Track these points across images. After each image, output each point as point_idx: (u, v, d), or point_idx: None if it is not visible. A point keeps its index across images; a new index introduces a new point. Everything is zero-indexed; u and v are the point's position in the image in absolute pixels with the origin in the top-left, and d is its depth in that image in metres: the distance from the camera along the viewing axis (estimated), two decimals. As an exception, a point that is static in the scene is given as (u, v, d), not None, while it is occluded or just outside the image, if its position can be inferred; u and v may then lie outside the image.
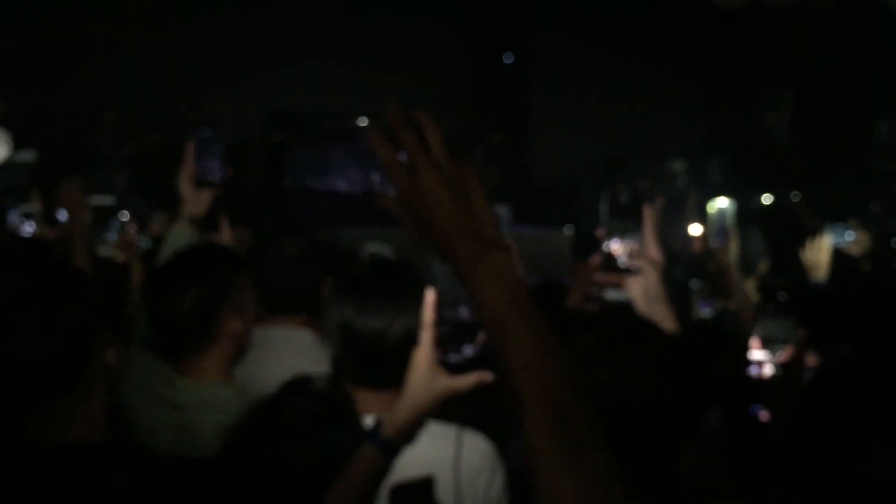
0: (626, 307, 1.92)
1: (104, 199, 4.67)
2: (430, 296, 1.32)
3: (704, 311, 3.85)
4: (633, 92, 9.41)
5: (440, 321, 1.31)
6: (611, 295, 2.53)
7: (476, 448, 1.81)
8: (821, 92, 9.01)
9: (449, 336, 1.30)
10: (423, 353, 1.36)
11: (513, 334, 0.92)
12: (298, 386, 1.73)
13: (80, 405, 1.61)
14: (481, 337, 1.29)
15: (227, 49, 8.71)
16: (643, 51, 9.48)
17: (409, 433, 1.43)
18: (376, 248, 3.33)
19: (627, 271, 1.87)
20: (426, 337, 1.35)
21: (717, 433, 1.89)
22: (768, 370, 3.04)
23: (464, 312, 1.24)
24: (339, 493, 1.42)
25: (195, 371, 2.03)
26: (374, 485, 1.43)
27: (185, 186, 2.32)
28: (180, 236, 2.33)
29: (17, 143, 6.34)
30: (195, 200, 2.34)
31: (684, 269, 3.88)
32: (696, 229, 3.99)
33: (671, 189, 8.03)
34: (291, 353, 2.29)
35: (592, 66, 9.60)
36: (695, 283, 4.24)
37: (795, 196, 6.69)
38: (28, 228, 4.41)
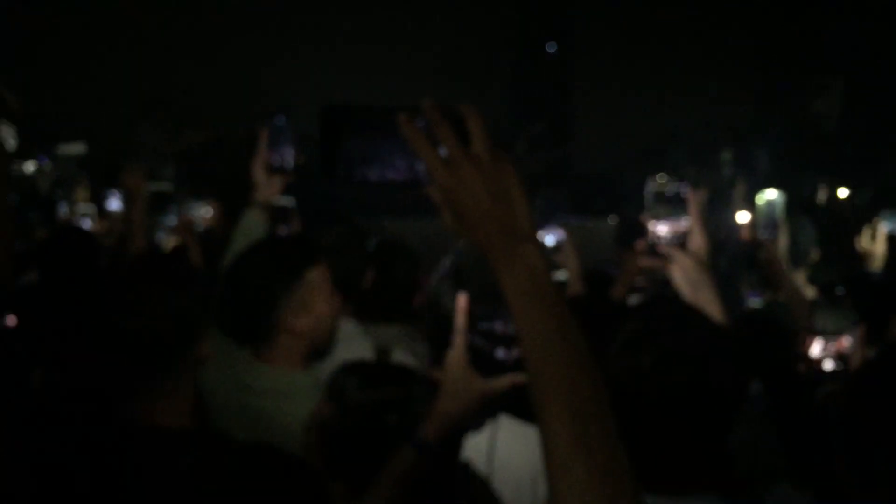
0: (672, 296, 1.90)
1: (162, 186, 4.73)
2: (461, 301, 1.33)
3: (754, 302, 3.79)
4: (678, 80, 9.30)
5: (476, 323, 1.31)
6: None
7: (518, 436, 1.81)
8: (871, 78, 8.82)
9: (482, 341, 1.31)
10: (457, 357, 1.36)
11: (533, 323, 0.96)
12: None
13: (171, 392, 1.64)
14: (508, 340, 1.29)
15: (279, 38, 8.79)
16: (689, 38, 9.36)
17: (445, 435, 1.44)
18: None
19: (670, 257, 1.85)
20: (458, 342, 1.35)
21: (765, 418, 1.87)
22: (829, 365, 2.98)
23: (499, 325, 1.25)
24: (376, 493, 1.43)
25: (272, 358, 2.06)
26: (412, 482, 1.44)
27: (259, 173, 2.36)
28: (253, 222, 2.37)
29: (66, 137, 6.45)
30: (268, 187, 2.38)
31: (731, 259, 3.82)
32: (743, 217, 3.93)
33: (717, 178, 7.93)
34: (339, 343, 2.30)
35: (636, 53, 9.51)
36: (742, 274, 4.18)
37: (842, 192, 6.57)
38: (85, 222, 4.49)
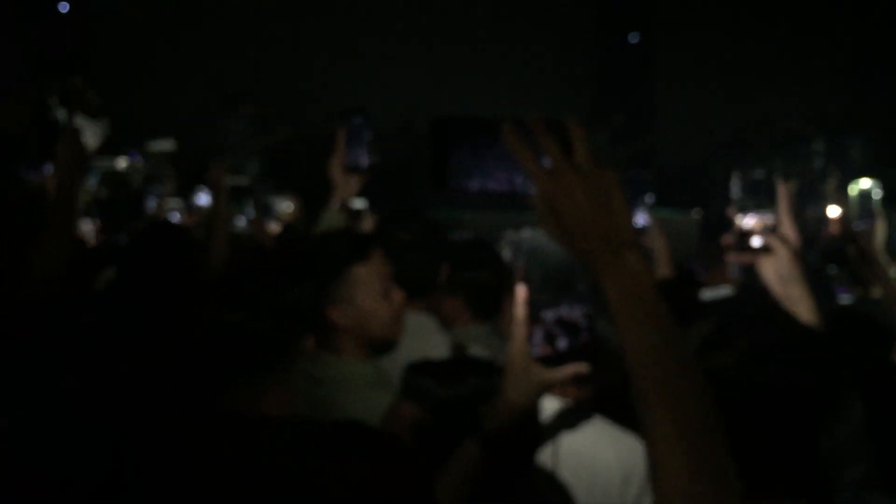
0: (756, 293, 1.84)
1: (239, 180, 4.84)
2: (521, 293, 1.32)
3: (843, 299, 3.65)
4: (765, 67, 9.02)
5: (537, 314, 1.30)
6: (707, 294, 2.42)
7: (615, 446, 1.78)
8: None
9: (545, 334, 1.29)
10: (518, 349, 1.36)
11: (638, 331, 0.98)
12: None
13: (278, 383, 1.68)
14: (569, 329, 1.27)
15: (363, 39, 8.88)
16: (776, 24, 9.07)
17: (509, 428, 1.42)
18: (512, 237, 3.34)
19: (761, 250, 1.79)
20: (519, 333, 1.34)
21: (860, 423, 1.79)
22: None
23: (560, 306, 1.23)
24: (442, 486, 1.43)
25: (333, 349, 2.08)
26: (476, 478, 1.43)
27: (336, 173, 2.40)
28: (331, 220, 2.43)
29: (155, 134, 6.63)
30: (345, 186, 2.42)
31: (821, 254, 3.69)
32: (833, 211, 3.78)
33: (808, 170, 7.67)
34: (409, 337, 2.31)
35: (721, 41, 9.26)
36: (832, 269, 4.02)
37: None
38: (174, 216, 4.62)
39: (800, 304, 1.74)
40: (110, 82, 8.40)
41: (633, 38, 9.53)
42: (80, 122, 2.12)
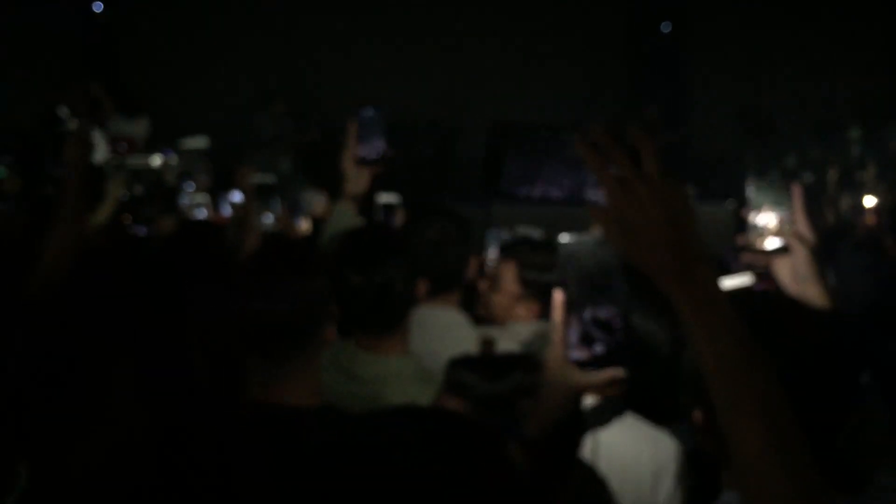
0: (770, 290, 1.82)
1: (265, 178, 4.88)
2: (558, 297, 1.31)
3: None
4: (800, 56, 8.89)
5: (574, 319, 1.29)
6: (727, 283, 2.40)
7: (646, 443, 1.78)
8: None
9: (582, 335, 1.29)
10: (555, 352, 1.35)
11: (715, 344, 0.98)
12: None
13: (299, 373, 1.69)
14: (605, 335, 1.27)
15: (389, 33, 8.90)
16: (810, 11, 8.93)
17: (548, 430, 1.42)
18: (524, 231, 3.32)
19: (777, 251, 1.77)
20: (557, 337, 1.34)
21: (880, 414, 1.77)
22: None
23: (597, 311, 1.23)
24: None
25: (379, 347, 2.10)
26: (534, 483, 1.43)
27: (348, 165, 2.38)
28: (343, 214, 2.41)
29: (189, 131, 6.70)
30: (356, 179, 2.40)
31: (855, 246, 3.63)
32: (870, 201, 3.73)
33: (846, 158, 7.56)
34: (439, 332, 2.31)
35: (754, 31, 9.14)
36: (869, 260, 3.96)
37: None
38: (202, 212, 4.66)
39: (816, 303, 1.72)
40: (144, 81, 8.52)
41: (666, 27, 9.44)
42: (86, 130, 2.15)
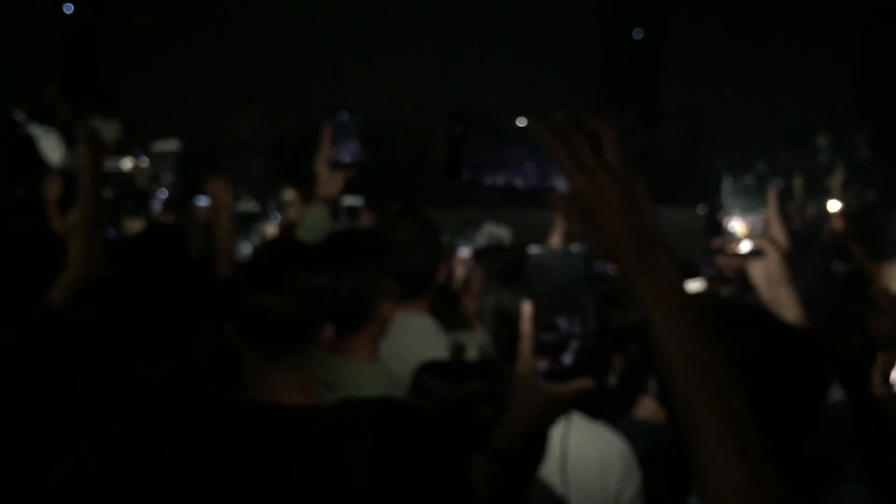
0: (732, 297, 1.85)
1: (249, 206, 4.85)
2: (526, 308, 1.31)
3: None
4: (771, 62, 8.99)
5: (542, 330, 1.29)
6: (688, 286, 2.42)
7: (592, 434, 1.78)
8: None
9: (549, 345, 1.28)
10: (523, 363, 1.35)
11: (673, 331, 0.99)
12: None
13: (293, 370, 1.69)
14: (574, 343, 1.26)
15: (361, 34, 8.89)
16: (783, 18, 9.03)
17: (518, 443, 1.42)
18: (493, 229, 3.33)
19: (750, 254, 1.79)
20: (525, 347, 1.34)
21: (844, 416, 1.79)
22: None
23: (563, 322, 1.22)
24: None
25: (346, 351, 2.09)
26: (488, 493, 1.43)
27: (321, 168, 2.37)
28: (315, 217, 2.39)
29: (160, 133, 6.65)
30: (330, 182, 2.38)
31: (823, 251, 3.67)
32: (834, 206, 3.76)
33: (814, 164, 7.65)
34: (409, 337, 2.31)
35: (727, 37, 9.23)
36: (838, 266, 4.00)
37: None
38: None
39: (786, 306, 1.75)
40: (116, 82, 8.45)
41: (638, 33, 9.51)
42: (38, 131, 2.13)
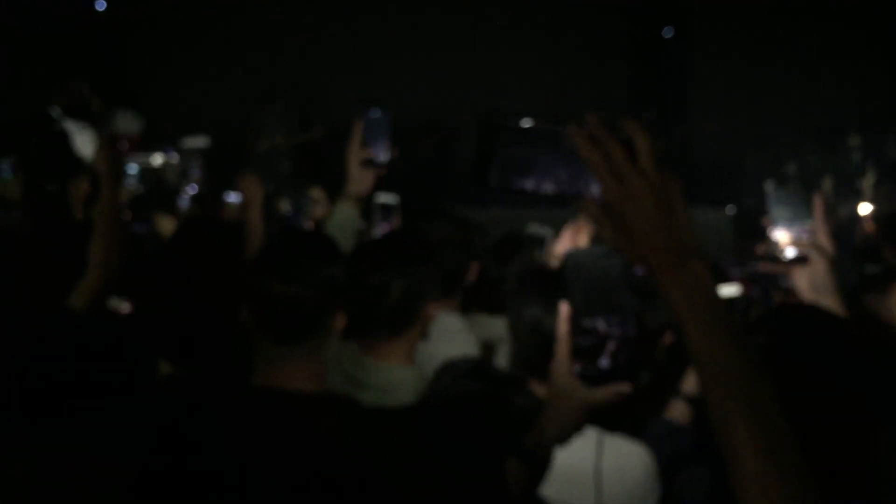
0: (802, 305, 1.83)
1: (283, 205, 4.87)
2: (563, 309, 1.29)
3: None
4: (801, 62, 8.89)
5: (579, 332, 1.28)
6: (723, 291, 2.41)
7: (625, 454, 1.77)
8: None
9: (587, 348, 1.26)
10: (560, 366, 1.34)
11: (709, 340, 0.97)
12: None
13: (306, 358, 1.70)
14: (611, 346, 1.25)
15: (387, 32, 8.91)
16: (814, 18, 8.94)
17: (552, 446, 1.41)
18: (536, 229, 3.31)
19: (793, 261, 1.79)
20: (562, 350, 1.32)
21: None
22: None
23: (601, 324, 1.20)
24: None
25: (385, 353, 2.09)
26: (527, 495, 1.43)
27: (352, 165, 2.35)
28: (344, 215, 2.37)
29: (189, 130, 6.70)
30: (360, 180, 2.36)
31: (855, 255, 3.63)
32: (865, 209, 3.71)
33: (845, 165, 7.57)
34: (439, 337, 2.31)
35: (757, 36, 9.15)
36: (870, 268, 3.95)
37: None
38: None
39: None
40: (146, 79, 8.53)
41: (668, 32, 9.45)
42: (74, 128, 2.14)
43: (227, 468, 1.52)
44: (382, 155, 2.32)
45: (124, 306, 2.42)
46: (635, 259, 1.00)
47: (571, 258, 1.21)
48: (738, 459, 0.95)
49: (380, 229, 3.03)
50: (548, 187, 1.02)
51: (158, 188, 5.52)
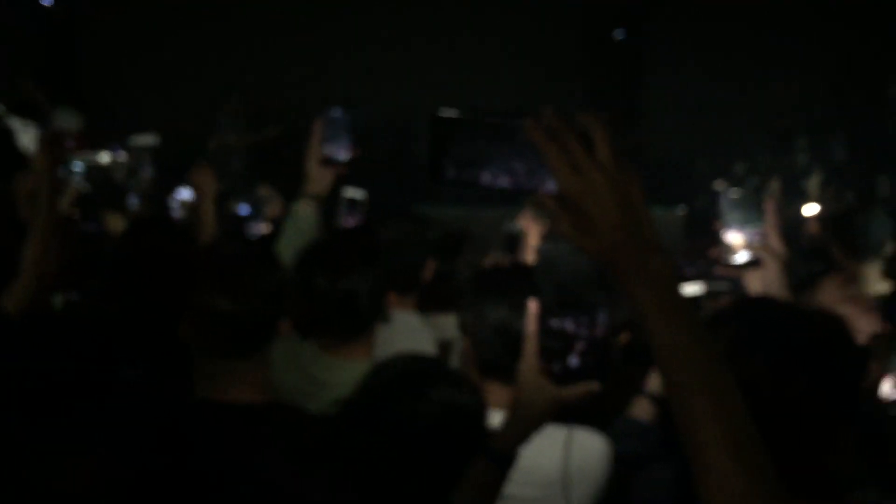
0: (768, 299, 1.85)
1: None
2: (532, 306, 1.28)
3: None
4: (751, 65, 9.05)
5: (547, 333, 1.27)
6: (687, 290, 2.44)
7: (589, 450, 1.78)
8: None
9: (555, 349, 1.25)
10: (528, 365, 1.33)
11: (670, 334, 0.96)
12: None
13: (253, 368, 1.66)
14: (580, 346, 1.24)
15: (352, 34, 8.87)
16: (764, 22, 9.10)
17: (519, 444, 1.41)
18: (511, 226, 3.31)
19: (746, 265, 1.81)
20: (530, 348, 1.31)
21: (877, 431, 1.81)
22: None
23: (569, 325, 1.20)
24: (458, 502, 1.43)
25: (347, 352, 2.08)
26: (493, 494, 1.43)
27: (311, 165, 2.33)
28: (303, 214, 2.36)
29: (139, 128, 6.59)
30: (319, 179, 2.35)
31: (804, 255, 3.70)
32: (810, 210, 3.78)
33: (792, 167, 7.71)
34: (396, 335, 2.31)
35: (708, 39, 9.28)
36: (818, 267, 4.03)
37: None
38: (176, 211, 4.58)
39: None
40: (96, 76, 8.36)
41: (620, 34, 9.54)
42: (18, 125, 2.09)
43: (187, 479, 1.49)
44: (343, 153, 2.31)
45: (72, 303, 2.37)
46: (596, 255, 0.97)
47: (543, 254, 1.20)
48: (704, 457, 0.95)
49: (347, 224, 3.02)
50: (504, 182, 1.00)
51: (106, 186, 5.42)
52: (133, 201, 4.52)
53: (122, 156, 6.29)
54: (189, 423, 1.60)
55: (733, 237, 1.83)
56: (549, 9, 9.40)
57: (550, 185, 0.99)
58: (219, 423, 1.61)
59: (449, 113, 1.01)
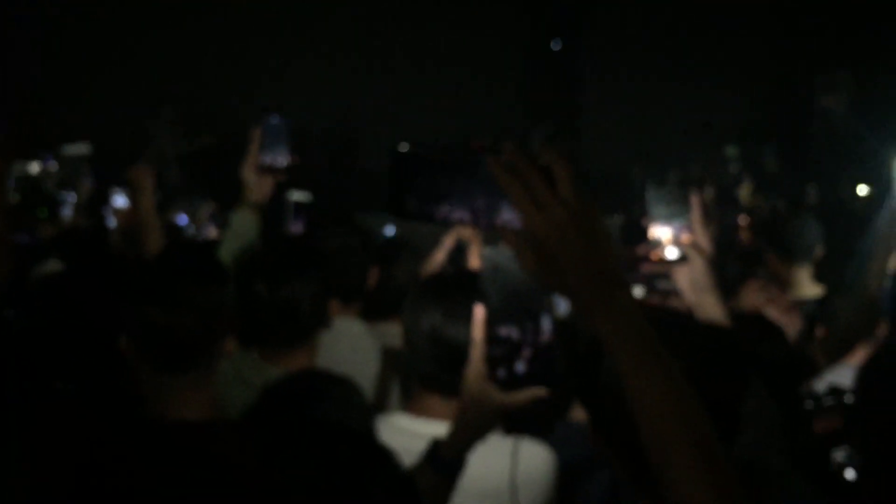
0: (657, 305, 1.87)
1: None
2: (479, 311, 1.28)
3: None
4: (686, 76, 9.24)
5: (493, 341, 1.26)
6: (661, 284, 2.48)
7: (535, 459, 1.78)
8: (883, 73, 8.74)
9: (501, 354, 1.24)
10: (475, 371, 1.32)
11: (638, 367, 0.96)
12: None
13: (194, 386, 1.63)
14: (527, 352, 1.24)
15: (289, 42, 8.80)
16: (697, 33, 9.31)
17: (466, 451, 1.40)
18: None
19: (677, 261, 1.82)
20: (476, 354, 1.31)
21: (773, 417, 1.84)
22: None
23: (515, 333, 1.19)
24: None
25: (289, 361, 2.05)
26: (437, 500, 1.42)
27: (248, 173, 2.31)
28: (244, 222, 2.33)
29: (71, 137, 6.44)
30: (258, 187, 2.33)
31: (741, 261, 3.79)
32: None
33: (724, 175, 7.89)
34: (340, 343, 2.30)
35: (643, 50, 9.46)
36: (757, 272, 4.12)
37: (862, 189, 6.52)
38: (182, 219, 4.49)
39: (712, 312, 1.78)
40: (24, 85, 8.15)
41: (556, 45, 9.66)
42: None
43: (117, 497, 1.46)
44: (281, 160, 2.30)
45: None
46: (560, 290, 0.98)
47: (487, 260, 1.20)
48: (679, 488, 0.94)
49: (294, 228, 3.00)
50: (465, 216, 1.00)
51: (36, 197, 5.29)
52: (66, 212, 4.41)
53: (53, 165, 6.14)
54: (120, 440, 1.57)
55: (661, 231, 1.83)
56: (487, 19, 9.48)
57: (509, 218, 0.99)
58: (151, 440, 1.57)
59: (408, 149, 1.01)
